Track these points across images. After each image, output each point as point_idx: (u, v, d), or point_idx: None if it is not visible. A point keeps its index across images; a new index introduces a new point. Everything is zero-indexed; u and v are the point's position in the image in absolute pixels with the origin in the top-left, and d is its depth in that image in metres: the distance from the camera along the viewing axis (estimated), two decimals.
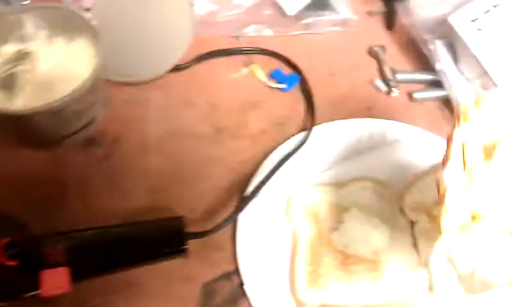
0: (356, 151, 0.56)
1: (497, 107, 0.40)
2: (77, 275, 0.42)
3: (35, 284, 0.40)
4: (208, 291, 0.48)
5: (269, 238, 0.50)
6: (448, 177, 0.38)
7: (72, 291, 0.41)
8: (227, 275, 0.49)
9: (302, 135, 0.56)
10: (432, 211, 0.51)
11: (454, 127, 0.40)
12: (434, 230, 0.49)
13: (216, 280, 0.49)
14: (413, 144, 0.56)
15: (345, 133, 0.57)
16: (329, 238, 0.49)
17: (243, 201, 0.49)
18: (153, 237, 0.44)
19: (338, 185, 0.53)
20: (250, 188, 0.51)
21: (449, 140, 0.39)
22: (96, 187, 0.53)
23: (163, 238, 0.44)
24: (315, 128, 0.57)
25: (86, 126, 0.54)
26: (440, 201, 0.38)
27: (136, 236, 0.44)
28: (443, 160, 0.39)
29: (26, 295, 0.40)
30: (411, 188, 0.53)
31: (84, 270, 0.42)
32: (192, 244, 0.47)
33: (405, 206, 0.52)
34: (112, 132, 0.57)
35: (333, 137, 0.57)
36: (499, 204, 0.38)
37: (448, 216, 0.37)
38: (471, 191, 0.37)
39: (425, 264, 0.48)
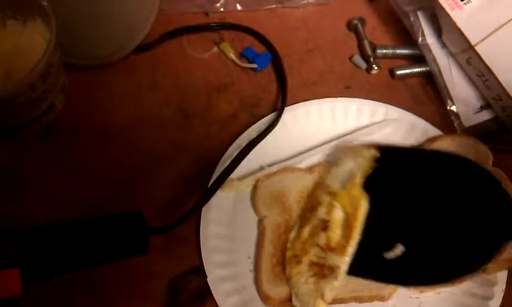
0: (330, 134, 0.55)
1: None
2: (30, 276, 0.41)
3: None
4: (174, 287, 0.48)
5: (234, 229, 0.50)
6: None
7: (26, 292, 0.41)
8: (194, 270, 0.48)
9: (272, 116, 0.55)
10: None
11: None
12: None
13: (182, 275, 0.48)
14: (391, 125, 0.55)
15: (319, 114, 0.56)
16: (297, 230, 0.49)
17: (207, 192, 0.49)
18: (112, 234, 0.43)
19: (310, 170, 0.52)
20: (215, 177, 0.50)
21: None
22: (55, 178, 0.53)
23: (123, 235, 0.44)
24: (286, 109, 0.55)
25: (43, 114, 0.54)
26: None
27: (94, 233, 0.43)
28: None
29: None
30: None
31: (38, 271, 0.42)
32: (155, 239, 0.46)
33: None
34: (71, 119, 0.56)
35: (305, 119, 0.55)
36: None
37: None
38: None
39: None
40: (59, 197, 0.52)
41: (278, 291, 0.46)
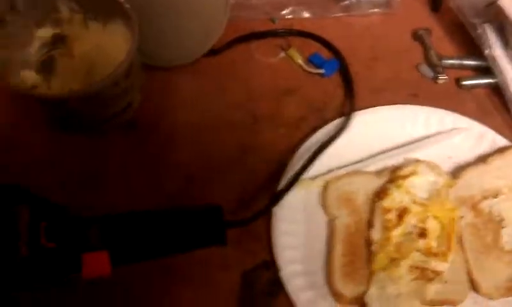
0: (398, 140, 0.57)
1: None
2: (117, 260, 0.44)
3: (76, 267, 0.43)
4: (247, 279, 0.50)
5: (305, 228, 0.52)
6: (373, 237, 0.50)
7: (112, 275, 0.44)
8: (266, 264, 0.50)
9: (340, 121, 0.57)
10: (478, 205, 0.52)
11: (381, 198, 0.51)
12: (480, 225, 0.51)
13: (254, 269, 0.50)
14: (460, 134, 0.57)
15: (387, 120, 0.58)
16: (367, 231, 0.51)
17: (282, 190, 0.51)
18: (193, 225, 0.46)
19: (378, 174, 0.54)
20: (287, 177, 0.53)
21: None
22: (134, 172, 0.56)
23: (202, 226, 0.47)
24: (355, 114, 0.58)
25: (122, 111, 0.57)
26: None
27: (176, 222, 0.46)
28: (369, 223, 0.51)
29: (67, 277, 0.43)
30: (458, 181, 0.53)
31: (123, 255, 0.45)
32: (230, 233, 0.49)
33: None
34: (147, 118, 0.59)
35: (374, 124, 0.57)
36: None
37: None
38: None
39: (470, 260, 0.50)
40: (138, 189, 0.55)
41: (349, 290, 0.48)
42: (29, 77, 0.56)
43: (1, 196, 0.45)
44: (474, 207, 0.52)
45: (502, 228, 0.51)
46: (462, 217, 0.52)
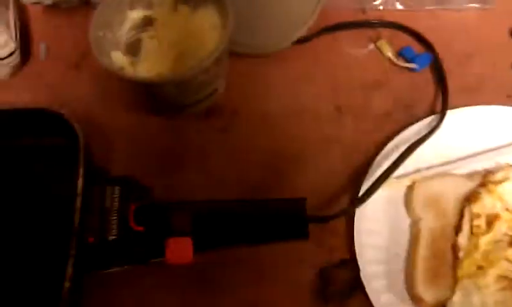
0: (491, 142, 0.54)
1: None
2: (199, 246, 0.45)
3: (160, 251, 0.44)
4: (325, 276, 0.50)
5: (387, 228, 0.51)
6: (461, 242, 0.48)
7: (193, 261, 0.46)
8: (344, 263, 0.50)
9: (431, 119, 0.55)
10: None
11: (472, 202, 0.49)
12: None
13: (332, 266, 0.50)
14: None
15: (482, 121, 0.55)
16: (453, 236, 0.49)
17: (369, 188, 0.50)
18: (276, 216, 0.47)
19: (469, 177, 0.52)
20: (372, 176, 0.51)
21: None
22: (214, 158, 0.57)
23: (285, 219, 0.47)
24: (447, 113, 0.55)
25: (207, 97, 0.58)
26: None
27: (259, 213, 0.46)
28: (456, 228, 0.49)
29: (152, 260, 0.45)
30: None
31: (206, 242, 0.46)
32: (310, 228, 0.48)
33: None
34: (231, 105, 0.60)
35: (466, 125, 0.55)
36: None
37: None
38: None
39: None
40: (218, 176, 0.55)
41: (430, 295, 0.47)
42: (118, 58, 0.58)
43: (94, 177, 0.47)
44: None
45: None
46: None
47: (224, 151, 0.57)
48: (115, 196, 0.46)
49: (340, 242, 0.51)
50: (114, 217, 0.45)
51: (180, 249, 0.44)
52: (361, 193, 0.51)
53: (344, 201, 0.53)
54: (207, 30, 0.58)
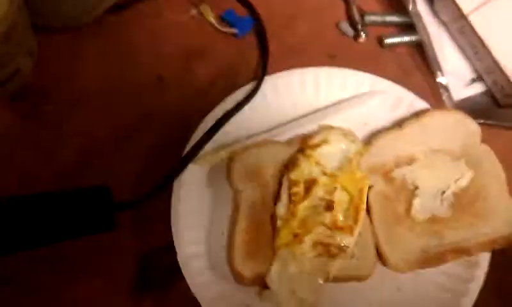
0: (312, 105, 0.54)
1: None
2: None
3: None
4: (143, 265, 0.48)
5: (208, 205, 0.49)
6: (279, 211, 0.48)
7: None
8: (165, 248, 0.47)
9: (251, 86, 0.54)
10: (390, 173, 0.51)
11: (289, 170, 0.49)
12: (391, 194, 0.49)
13: (153, 253, 0.48)
14: (377, 98, 0.54)
15: (301, 84, 0.54)
16: (273, 206, 0.48)
17: (178, 165, 0.48)
18: (76, 209, 0.43)
19: (289, 143, 0.52)
20: (188, 148, 0.49)
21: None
22: (21, 148, 0.52)
23: (87, 210, 0.43)
24: (267, 78, 0.54)
25: (9, 79, 0.52)
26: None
27: (56, 207, 0.42)
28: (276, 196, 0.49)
29: None
30: (370, 148, 0.51)
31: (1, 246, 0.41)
32: (125, 214, 0.46)
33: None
34: (40, 86, 0.54)
35: (286, 89, 0.54)
36: None
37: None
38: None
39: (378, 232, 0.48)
40: (23, 168, 0.51)
41: (249, 269, 0.46)
42: None
43: None
44: (386, 175, 0.51)
45: (415, 197, 0.50)
46: (372, 186, 0.50)
47: (32, 139, 0.52)
48: None
49: (163, 226, 0.48)
50: None
51: None
52: (170, 171, 0.48)
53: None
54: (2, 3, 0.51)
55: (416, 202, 0.50)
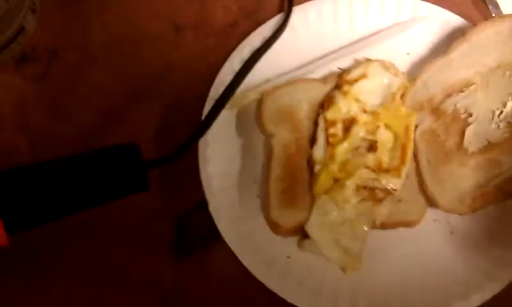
0: (348, 37, 0.49)
1: None
2: (16, 225, 0.37)
3: None
4: (181, 225, 0.46)
5: (238, 152, 0.46)
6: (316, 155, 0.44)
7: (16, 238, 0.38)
8: (202, 205, 0.44)
9: (277, 19, 0.49)
10: (439, 107, 0.46)
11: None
12: (439, 130, 0.44)
13: (189, 212, 0.46)
14: (419, 24, 0.49)
15: (334, 13, 0.49)
16: (309, 150, 0.44)
17: (208, 116, 0.44)
18: (104, 170, 0.39)
19: (324, 80, 0.47)
20: (214, 98, 0.45)
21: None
22: (35, 112, 0.49)
23: (117, 170, 0.39)
24: (294, 9, 0.49)
25: (13, 39, 0.49)
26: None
27: (83, 171, 0.38)
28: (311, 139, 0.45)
29: None
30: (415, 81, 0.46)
31: (23, 219, 0.38)
32: (154, 173, 0.42)
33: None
34: (47, 44, 0.50)
35: (317, 20, 0.49)
36: None
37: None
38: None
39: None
40: (40, 134, 0.48)
41: (286, 219, 0.43)
42: None
43: None
44: (434, 110, 0.45)
45: (468, 124, 0.45)
46: (418, 124, 0.45)
47: (45, 102, 0.49)
48: None
49: (196, 183, 0.45)
50: None
51: None
52: (203, 118, 0.44)
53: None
54: None
55: (469, 131, 0.45)
